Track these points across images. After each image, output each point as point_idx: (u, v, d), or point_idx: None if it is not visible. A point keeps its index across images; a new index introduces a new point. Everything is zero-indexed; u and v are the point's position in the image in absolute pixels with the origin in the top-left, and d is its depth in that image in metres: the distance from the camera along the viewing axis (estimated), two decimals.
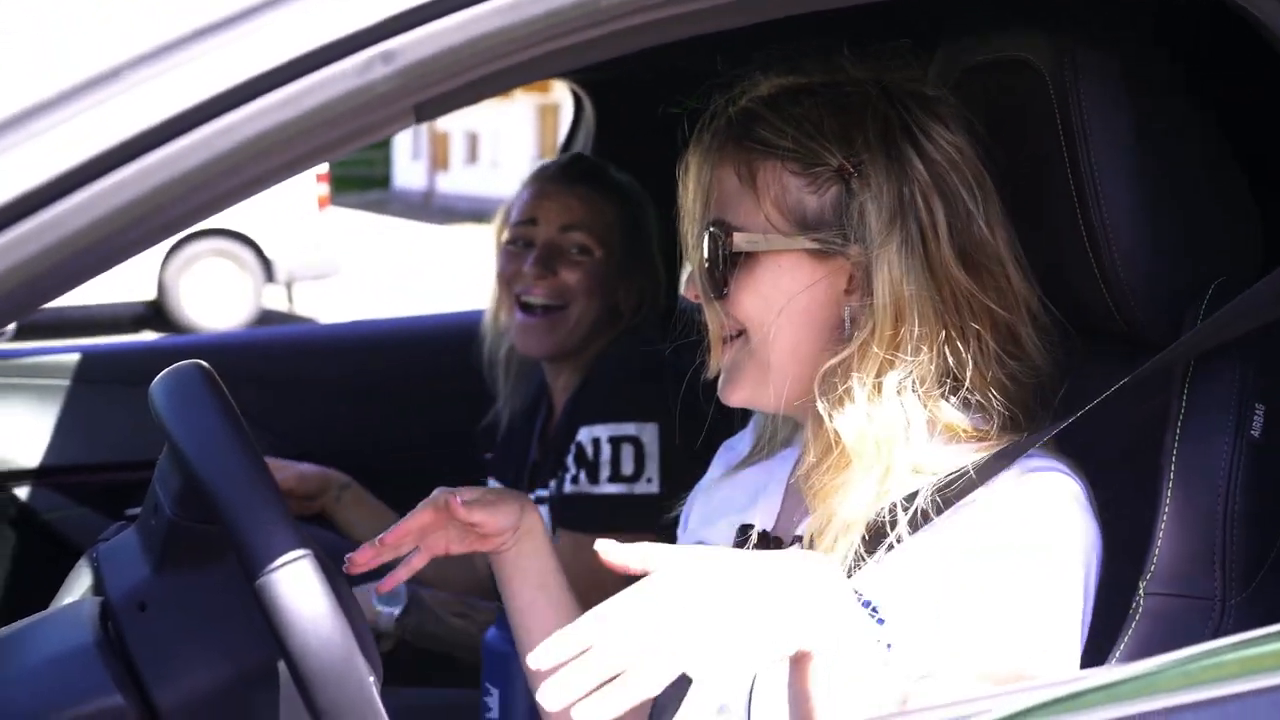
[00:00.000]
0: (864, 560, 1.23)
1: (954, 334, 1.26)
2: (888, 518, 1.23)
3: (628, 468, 2.06)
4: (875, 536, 1.23)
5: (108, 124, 0.75)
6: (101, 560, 1.22)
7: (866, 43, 1.35)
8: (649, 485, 2.06)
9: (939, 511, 1.21)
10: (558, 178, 2.29)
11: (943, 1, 1.46)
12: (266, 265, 10.46)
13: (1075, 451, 1.28)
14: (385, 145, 31.18)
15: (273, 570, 1.01)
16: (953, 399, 1.27)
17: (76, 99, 0.75)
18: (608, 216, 2.24)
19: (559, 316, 2.18)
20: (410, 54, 0.82)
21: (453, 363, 2.64)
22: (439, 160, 29.38)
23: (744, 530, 1.42)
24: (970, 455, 1.24)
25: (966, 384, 1.27)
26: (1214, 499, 1.21)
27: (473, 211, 24.10)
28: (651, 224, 2.30)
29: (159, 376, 1.20)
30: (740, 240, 1.28)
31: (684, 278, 1.48)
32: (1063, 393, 1.32)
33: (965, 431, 1.27)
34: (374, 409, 2.66)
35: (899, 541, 1.22)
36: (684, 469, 1.68)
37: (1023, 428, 1.28)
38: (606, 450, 2.07)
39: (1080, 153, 1.31)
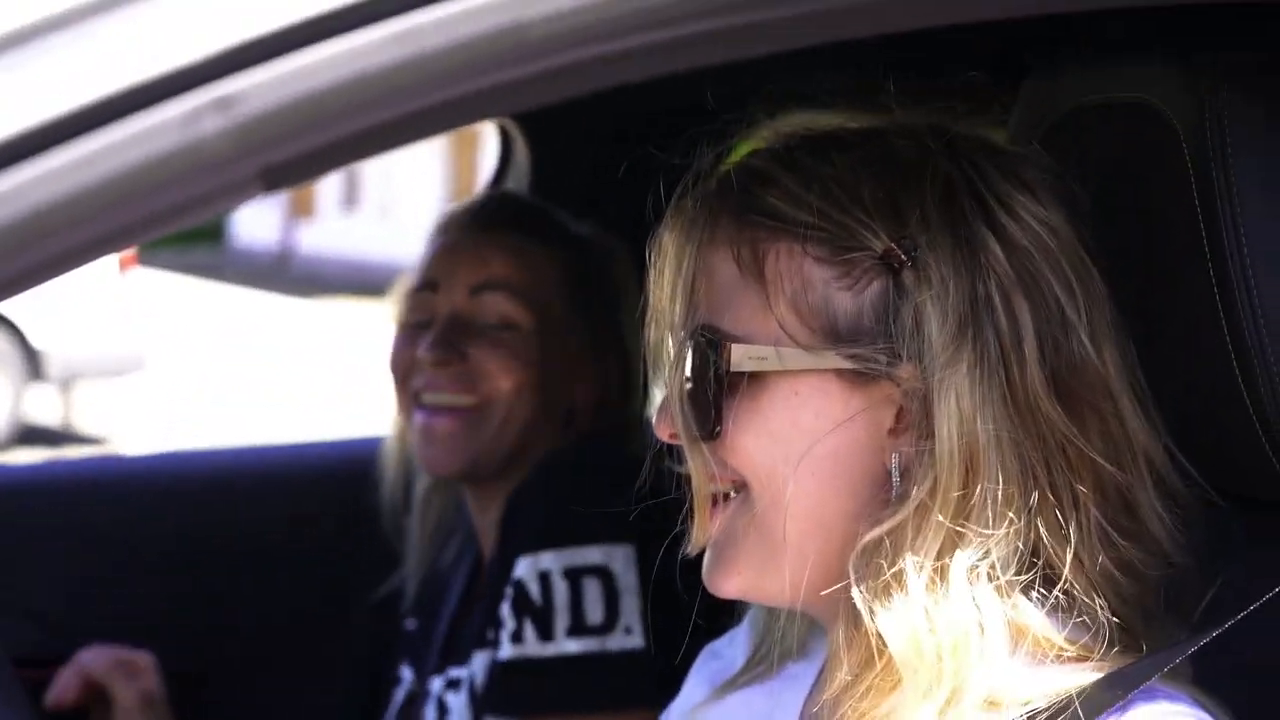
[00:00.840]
0: None
1: (1048, 497, 1.27)
2: None
3: (595, 614, 2.03)
4: None
5: None
6: None
7: (918, 78, 1.41)
8: (628, 638, 2.03)
9: None
10: (470, 222, 2.31)
11: (1028, 28, 1.50)
12: (33, 358, 10.46)
13: (1227, 679, 1.30)
14: None
15: None
16: (1042, 596, 1.27)
17: None
18: (544, 273, 2.24)
19: (477, 417, 2.18)
20: (255, 101, 0.86)
21: (323, 511, 2.68)
22: (300, 204, 29.56)
23: None
24: (1064, 680, 1.24)
25: (1063, 574, 1.26)
26: None
27: (350, 280, 24.13)
28: (627, 282, 2.28)
29: None
30: (741, 356, 1.29)
31: (654, 405, 1.50)
32: (1211, 593, 1.33)
33: (1059, 646, 1.26)
34: (200, 579, 2.67)
35: None
36: (676, 612, 1.58)
37: (1141, 642, 1.29)
38: (561, 589, 2.04)
39: (1225, 232, 1.36)
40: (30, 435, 10.72)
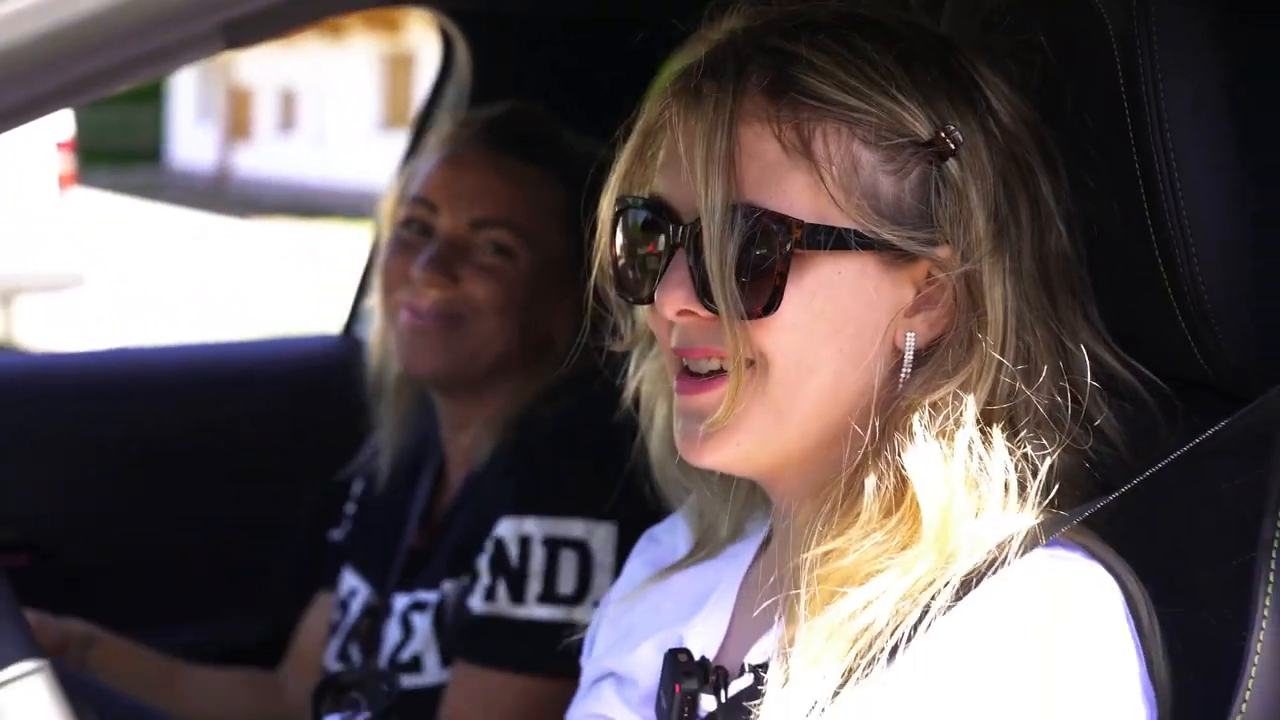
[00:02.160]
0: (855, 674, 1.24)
1: (1039, 375, 1.32)
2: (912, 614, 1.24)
3: (567, 584, 2.04)
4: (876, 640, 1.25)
5: None
6: None
7: None
8: (594, 611, 1.96)
9: (948, 605, 1.24)
10: (476, 140, 2.25)
11: None
12: None
13: (1137, 543, 1.33)
14: (155, 100, 31.01)
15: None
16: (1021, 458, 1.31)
17: None
18: (548, 204, 2.21)
19: (453, 326, 2.17)
20: None
21: (275, 409, 2.66)
22: (237, 126, 29.24)
23: (675, 657, 1.42)
24: (1004, 527, 1.27)
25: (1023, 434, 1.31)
26: None
27: (286, 202, 23.94)
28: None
29: None
30: (808, 237, 1.27)
31: (604, 284, 1.44)
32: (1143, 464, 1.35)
33: (1020, 502, 1.29)
34: (150, 477, 2.62)
35: (899, 648, 1.23)
36: None
37: (1070, 499, 1.32)
38: (539, 556, 2.05)
39: (1151, 127, 1.36)
40: None
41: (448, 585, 2.14)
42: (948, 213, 1.30)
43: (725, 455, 1.35)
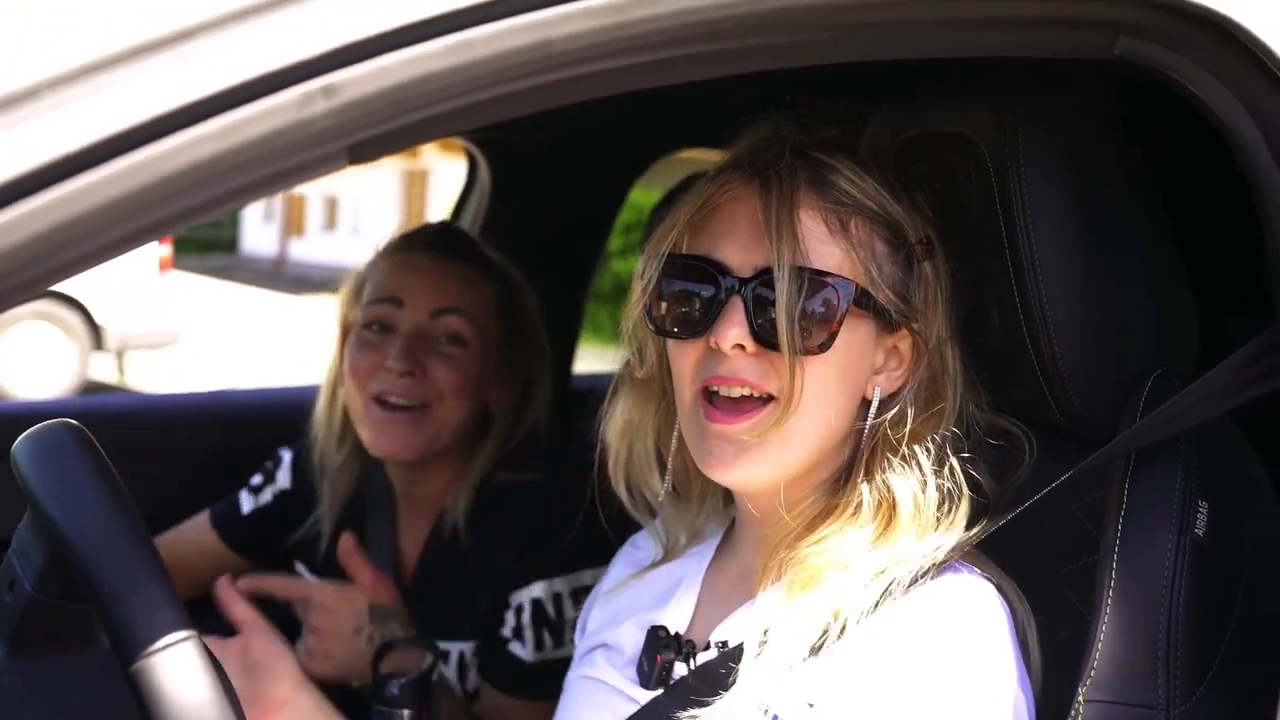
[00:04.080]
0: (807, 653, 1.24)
1: (954, 418, 1.35)
2: (865, 602, 1.24)
3: None
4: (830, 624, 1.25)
5: (24, 146, 0.74)
6: None
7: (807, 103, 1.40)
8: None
9: (884, 600, 1.24)
10: (430, 249, 2.09)
11: (880, 72, 1.51)
12: (95, 331, 10.19)
13: (1009, 551, 1.32)
14: None
15: (153, 653, 0.98)
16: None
17: None
18: (487, 299, 2.08)
19: (424, 417, 2.01)
20: (352, 90, 0.83)
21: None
22: (293, 225, 29.09)
23: (655, 633, 1.41)
24: (926, 548, 1.27)
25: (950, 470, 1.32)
26: (1156, 600, 1.25)
27: (328, 281, 23.67)
28: (532, 309, 2.18)
29: (23, 437, 1.16)
30: (851, 295, 1.27)
31: (629, 325, 1.41)
32: (1002, 491, 1.36)
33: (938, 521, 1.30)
34: (228, 487, 2.57)
35: (844, 630, 1.24)
36: None
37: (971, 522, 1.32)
38: (569, 607, 1.97)
39: (1020, 233, 1.36)
40: (93, 391, 10.43)
41: (469, 643, 2.03)
42: (920, 298, 1.33)
43: (748, 473, 1.32)
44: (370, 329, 2.05)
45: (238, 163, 0.80)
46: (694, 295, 1.32)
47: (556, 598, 1.97)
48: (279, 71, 0.80)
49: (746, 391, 1.30)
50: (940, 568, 1.25)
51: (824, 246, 1.29)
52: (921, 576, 1.24)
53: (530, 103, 0.90)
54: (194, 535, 2.31)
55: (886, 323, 1.32)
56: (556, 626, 1.97)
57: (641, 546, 1.60)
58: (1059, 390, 1.38)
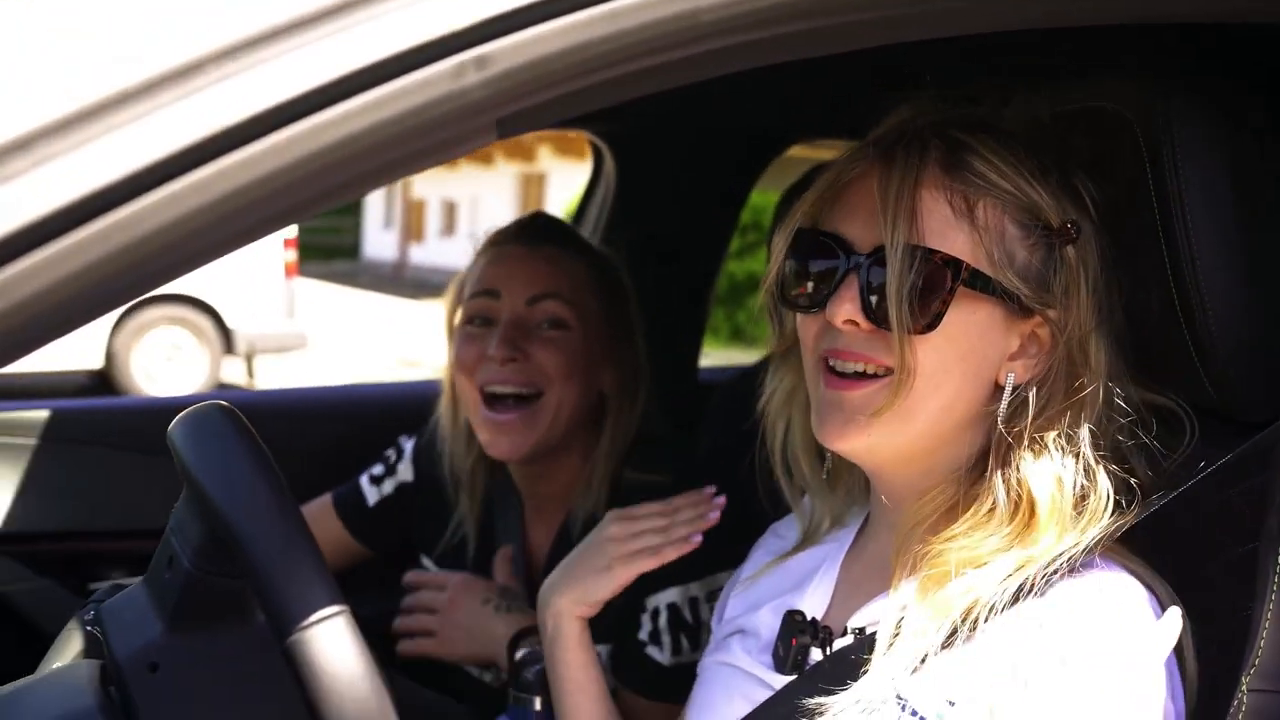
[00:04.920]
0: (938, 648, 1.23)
1: (1109, 408, 1.32)
2: (999, 599, 1.22)
3: None
4: (964, 620, 1.23)
5: (189, 120, 0.75)
6: (104, 619, 1.20)
7: (940, 82, 1.38)
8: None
9: (1021, 597, 1.21)
10: (519, 239, 2.10)
11: (1021, 45, 1.48)
12: (226, 335, 10.47)
13: (1160, 541, 1.29)
14: (355, 212, 31.47)
15: (306, 627, 0.99)
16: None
17: (156, 93, 0.76)
18: (582, 279, 2.07)
19: (535, 407, 2.00)
20: (504, 61, 0.83)
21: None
22: (412, 230, 29.58)
23: (792, 617, 1.41)
24: (1073, 538, 1.24)
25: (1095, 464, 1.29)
26: None
27: (447, 285, 24.01)
28: (630, 290, 2.15)
29: (178, 419, 1.19)
30: (972, 277, 1.27)
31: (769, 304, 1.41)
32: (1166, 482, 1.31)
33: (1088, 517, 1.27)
34: (338, 479, 2.61)
35: (975, 628, 1.21)
36: None
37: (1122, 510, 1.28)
38: (705, 610, 1.94)
39: (1174, 212, 1.33)
40: (224, 393, 10.72)
41: (599, 649, 1.94)
42: (1061, 285, 1.30)
43: (857, 443, 1.32)
44: (472, 324, 2.06)
45: (390, 136, 0.81)
46: (816, 270, 1.33)
47: (693, 602, 1.95)
48: (433, 42, 0.80)
49: (861, 368, 1.31)
50: (1083, 563, 1.22)
51: (944, 227, 1.28)
52: (1062, 573, 1.22)
53: (677, 75, 0.90)
54: (318, 520, 2.33)
55: (1017, 308, 1.29)
56: (693, 630, 1.95)
57: (783, 535, 1.59)
58: (1218, 373, 1.34)
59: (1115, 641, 1.19)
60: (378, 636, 1.88)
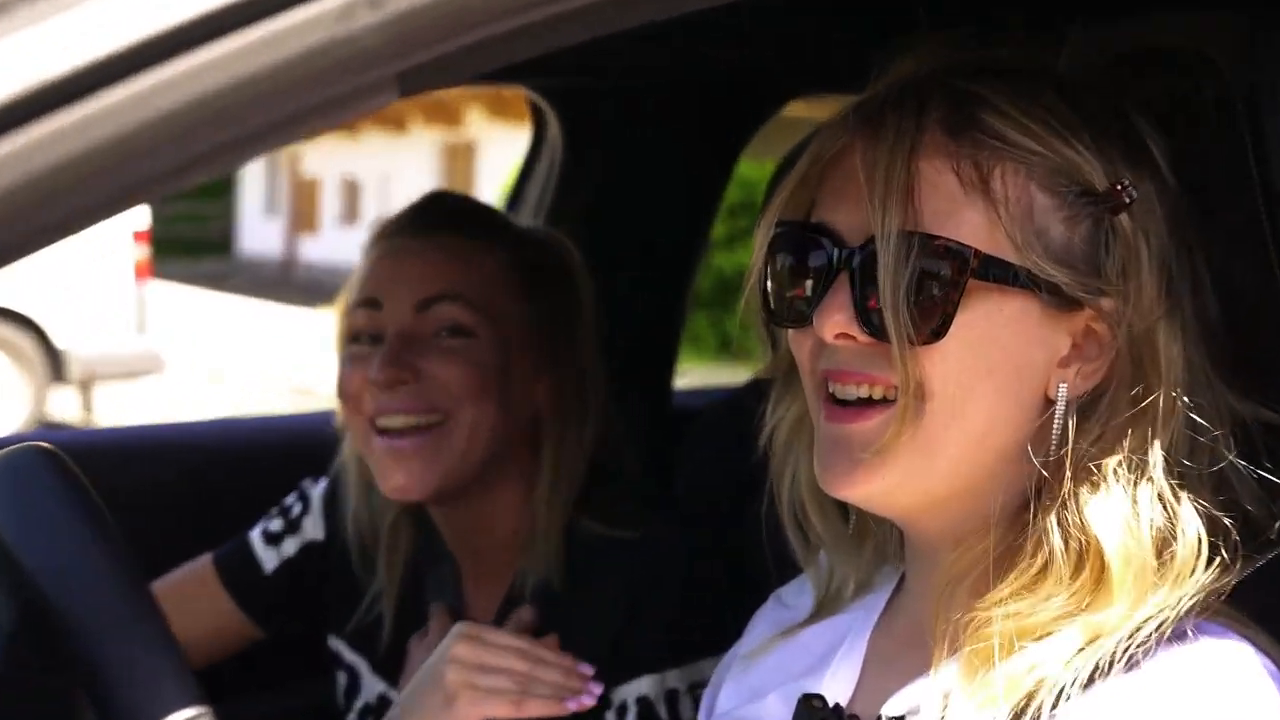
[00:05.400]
0: None
1: (1210, 430, 1.30)
2: (1069, 681, 1.21)
3: None
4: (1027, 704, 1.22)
5: None
6: None
7: (978, 23, 1.39)
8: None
9: (1098, 676, 1.21)
10: (407, 229, 2.10)
11: None
12: (54, 358, 10.44)
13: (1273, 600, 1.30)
14: (226, 195, 31.44)
15: None
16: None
17: None
18: (491, 273, 2.07)
19: (438, 434, 2.00)
20: (402, 1, 0.84)
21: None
22: (303, 219, 29.58)
23: (809, 703, 1.41)
24: (1179, 592, 1.24)
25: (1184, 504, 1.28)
26: None
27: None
28: (576, 278, 2.17)
29: None
30: (985, 265, 1.26)
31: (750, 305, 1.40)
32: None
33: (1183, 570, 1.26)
34: (215, 535, 2.60)
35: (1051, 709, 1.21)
36: None
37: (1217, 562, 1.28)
38: (687, 705, 1.96)
39: (1275, 169, 1.35)
40: (49, 433, 10.68)
41: None
42: (1116, 266, 1.29)
43: (869, 489, 1.32)
44: (357, 342, 2.06)
45: (261, 93, 0.81)
46: (803, 271, 1.34)
47: (670, 696, 1.96)
48: None
49: (865, 391, 1.31)
50: (1176, 630, 1.23)
51: (949, 205, 1.28)
52: (1150, 645, 1.21)
53: (626, 12, 0.91)
54: (193, 594, 2.32)
55: (1060, 300, 1.29)
56: None
57: (789, 604, 1.60)
58: None
59: None
60: None
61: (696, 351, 12.96)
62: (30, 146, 0.81)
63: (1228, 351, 1.36)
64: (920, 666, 1.34)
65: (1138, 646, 1.21)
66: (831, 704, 1.41)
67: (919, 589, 1.42)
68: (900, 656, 1.40)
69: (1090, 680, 1.21)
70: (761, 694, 1.50)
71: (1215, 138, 1.39)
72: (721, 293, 13.55)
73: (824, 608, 1.52)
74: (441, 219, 2.12)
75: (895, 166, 1.27)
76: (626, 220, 2.92)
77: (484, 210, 2.23)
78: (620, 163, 2.94)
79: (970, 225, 1.28)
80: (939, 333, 1.27)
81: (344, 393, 2.06)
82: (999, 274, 1.27)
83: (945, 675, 1.29)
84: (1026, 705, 1.22)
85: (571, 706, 1.76)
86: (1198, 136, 1.41)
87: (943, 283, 1.26)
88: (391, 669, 2.18)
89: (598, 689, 1.78)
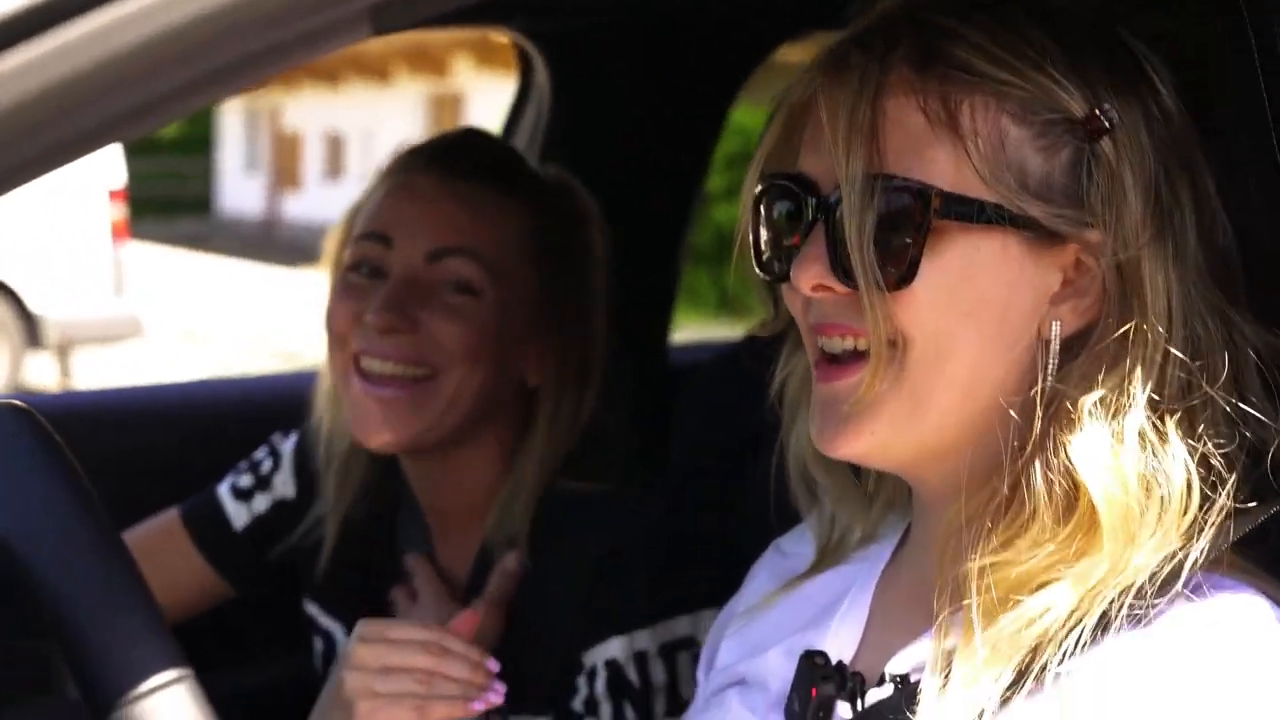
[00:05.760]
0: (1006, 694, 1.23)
1: (1210, 366, 1.29)
2: (1071, 636, 1.21)
3: (689, 690, 1.85)
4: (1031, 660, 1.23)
5: None
6: None
7: None
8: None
9: (1104, 631, 1.22)
10: (431, 166, 2.06)
11: None
12: (30, 323, 10.44)
13: None
14: (205, 151, 31.37)
15: (139, 698, 1.00)
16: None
17: None
18: (511, 233, 2.05)
19: (423, 389, 1.99)
20: None
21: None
22: (285, 174, 29.54)
23: (811, 660, 1.41)
24: (1181, 537, 1.24)
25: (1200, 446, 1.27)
26: None
27: None
28: (595, 239, 2.15)
29: None
30: (939, 206, 1.26)
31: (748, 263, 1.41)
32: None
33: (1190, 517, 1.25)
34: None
35: (1045, 673, 1.22)
36: None
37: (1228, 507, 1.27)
38: (658, 670, 1.95)
39: None
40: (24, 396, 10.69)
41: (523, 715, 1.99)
42: (1100, 194, 1.28)
43: (861, 445, 1.33)
44: (357, 271, 2.03)
45: (226, 27, 0.81)
46: (784, 223, 1.35)
47: (640, 657, 1.96)
48: None
49: (850, 344, 1.32)
50: (1189, 581, 1.23)
51: (915, 143, 1.28)
52: (1157, 596, 1.21)
53: None
54: (160, 549, 2.30)
55: (1043, 234, 1.28)
56: (640, 696, 1.95)
57: (790, 553, 1.61)
58: None
59: (1249, 687, 1.18)
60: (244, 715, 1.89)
61: (695, 308, 12.98)
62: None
63: (1240, 278, 1.35)
64: (925, 622, 1.34)
65: (1144, 599, 1.21)
66: (834, 661, 1.41)
67: (923, 541, 1.42)
68: (905, 611, 1.41)
69: (1095, 635, 1.21)
70: (763, 649, 1.51)
71: (1220, 63, 1.39)
72: (720, 247, 13.48)
73: (826, 558, 1.53)
74: (470, 165, 2.07)
75: (859, 108, 1.28)
76: (617, 170, 2.91)
77: (514, 161, 2.19)
78: (610, 110, 2.93)
79: (936, 163, 1.28)
80: (907, 278, 1.27)
81: (331, 325, 2.04)
82: (965, 212, 1.27)
83: (949, 632, 1.30)
84: (1031, 662, 1.22)
85: (478, 707, 1.73)
86: (1205, 64, 1.40)
87: (907, 225, 1.27)
88: (328, 598, 2.19)
89: (502, 688, 1.74)
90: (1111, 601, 1.22)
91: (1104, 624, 1.22)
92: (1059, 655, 1.21)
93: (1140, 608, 1.21)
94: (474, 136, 2.22)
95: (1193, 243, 1.31)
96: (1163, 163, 1.30)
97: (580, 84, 2.91)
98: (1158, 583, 1.22)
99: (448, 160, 2.07)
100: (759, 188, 1.38)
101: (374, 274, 2.02)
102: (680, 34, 2.84)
